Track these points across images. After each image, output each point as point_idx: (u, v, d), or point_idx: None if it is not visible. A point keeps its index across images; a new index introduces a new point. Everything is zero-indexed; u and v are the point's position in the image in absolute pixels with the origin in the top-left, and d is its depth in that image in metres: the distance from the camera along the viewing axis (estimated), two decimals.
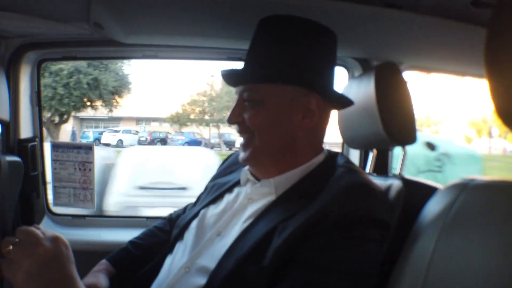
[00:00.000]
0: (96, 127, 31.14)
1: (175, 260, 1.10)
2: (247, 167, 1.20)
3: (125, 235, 1.51)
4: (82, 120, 29.87)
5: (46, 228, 1.82)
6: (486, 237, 0.82)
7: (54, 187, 1.87)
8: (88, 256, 1.41)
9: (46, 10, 1.43)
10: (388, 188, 1.17)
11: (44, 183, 1.90)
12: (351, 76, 1.84)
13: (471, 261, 0.82)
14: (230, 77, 1.16)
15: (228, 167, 1.39)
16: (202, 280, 0.96)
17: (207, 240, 1.06)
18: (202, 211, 1.19)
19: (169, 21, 1.45)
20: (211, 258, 1.00)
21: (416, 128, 1.29)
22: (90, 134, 24.98)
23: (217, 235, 1.06)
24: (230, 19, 1.38)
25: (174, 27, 1.51)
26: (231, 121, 1.14)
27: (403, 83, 1.29)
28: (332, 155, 1.17)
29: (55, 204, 1.89)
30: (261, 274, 0.90)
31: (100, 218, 2.01)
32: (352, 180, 1.00)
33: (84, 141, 21.37)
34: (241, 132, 1.14)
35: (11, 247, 0.84)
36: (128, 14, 1.37)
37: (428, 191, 1.06)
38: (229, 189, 1.23)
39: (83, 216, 1.99)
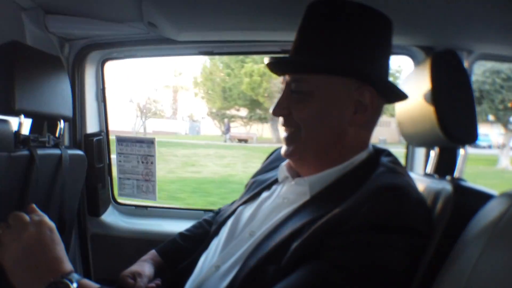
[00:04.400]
0: None
1: (208, 257, 1.11)
2: (284, 163, 1.17)
3: (183, 226, 1.55)
4: None
5: (110, 216, 1.98)
6: None
7: (119, 179, 2.00)
8: (149, 244, 1.49)
9: (104, 13, 1.52)
10: (437, 194, 1.05)
11: (110, 174, 2.02)
12: (415, 66, 1.72)
13: None
14: (276, 65, 1.09)
15: (271, 163, 1.36)
16: (229, 279, 0.96)
17: (239, 239, 1.05)
18: (239, 209, 1.18)
19: (218, 17, 1.46)
20: (240, 258, 0.99)
21: (477, 125, 1.17)
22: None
23: (249, 235, 1.03)
24: (280, 11, 1.35)
25: (224, 23, 1.52)
26: (276, 113, 1.06)
27: (463, 73, 1.17)
28: (377, 152, 1.09)
29: (120, 194, 2.03)
30: (278, 274, 0.88)
31: (161, 209, 2.09)
32: (387, 182, 0.92)
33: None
34: (285, 125, 1.07)
35: (0, 232, 0.92)
36: (178, 12, 1.41)
37: (481, 199, 0.94)
38: (267, 187, 1.20)
39: (145, 207, 2.08)
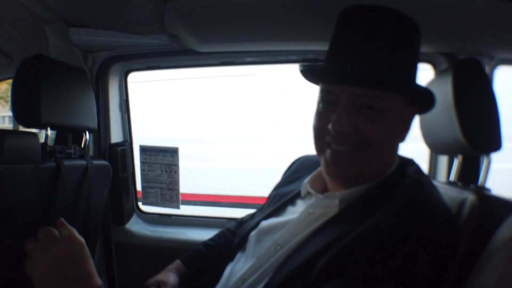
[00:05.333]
0: None
1: (234, 270, 1.11)
2: (307, 180, 1.15)
3: (207, 234, 1.57)
4: None
5: (135, 225, 2.00)
6: None
7: (143, 188, 2.02)
8: (173, 252, 1.50)
9: (126, 25, 1.55)
10: (461, 204, 1.04)
11: (134, 183, 2.05)
12: (438, 73, 1.70)
13: None
14: (339, 75, 0.98)
15: (292, 174, 1.34)
16: None
17: (265, 253, 1.04)
18: (262, 222, 1.17)
19: (239, 29, 1.48)
20: (267, 271, 0.99)
21: (501, 133, 1.15)
22: None
23: (276, 249, 1.03)
24: (300, 22, 1.36)
25: (245, 34, 1.54)
26: (339, 129, 0.96)
27: (486, 82, 1.17)
28: (403, 163, 1.07)
29: (144, 203, 2.06)
30: None
31: (184, 218, 2.10)
32: (413, 194, 0.92)
33: None
34: (343, 142, 0.98)
35: (30, 247, 0.93)
36: (199, 24, 1.43)
37: (506, 209, 0.94)
38: (291, 200, 1.19)
39: (169, 215, 2.10)
